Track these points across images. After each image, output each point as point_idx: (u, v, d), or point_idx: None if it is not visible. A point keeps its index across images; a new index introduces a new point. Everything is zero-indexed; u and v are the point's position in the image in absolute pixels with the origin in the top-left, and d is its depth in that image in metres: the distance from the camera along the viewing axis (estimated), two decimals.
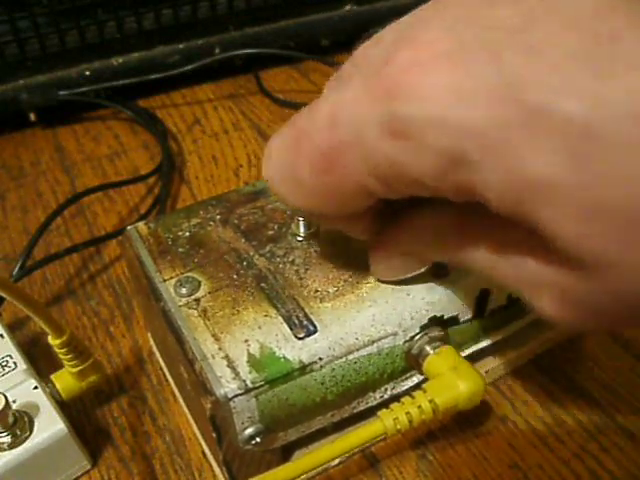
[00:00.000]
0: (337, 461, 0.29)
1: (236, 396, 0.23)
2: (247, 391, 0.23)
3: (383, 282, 0.26)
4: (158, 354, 0.35)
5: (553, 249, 0.16)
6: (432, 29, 0.16)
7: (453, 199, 0.18)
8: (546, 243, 0.16)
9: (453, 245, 0.21)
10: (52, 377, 0.30)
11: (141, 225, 0.30)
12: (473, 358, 0.30)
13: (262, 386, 0.23)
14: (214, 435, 0.24)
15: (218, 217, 0.31)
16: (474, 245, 0.20)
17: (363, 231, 0.24)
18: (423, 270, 0.25)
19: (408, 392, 0.26)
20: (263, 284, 0.27)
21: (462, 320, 0.28)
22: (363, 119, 0.17)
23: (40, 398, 0.28)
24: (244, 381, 0.23)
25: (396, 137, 0.16)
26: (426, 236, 0.23)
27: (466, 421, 0.31)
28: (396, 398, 0.26)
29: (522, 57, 0.15)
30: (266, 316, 0.25)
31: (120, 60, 0.59)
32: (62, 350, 0.28)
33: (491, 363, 0.32)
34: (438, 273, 0.27)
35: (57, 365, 0.30)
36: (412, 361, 0.27)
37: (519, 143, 0.15)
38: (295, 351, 0.24)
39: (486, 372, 0.32)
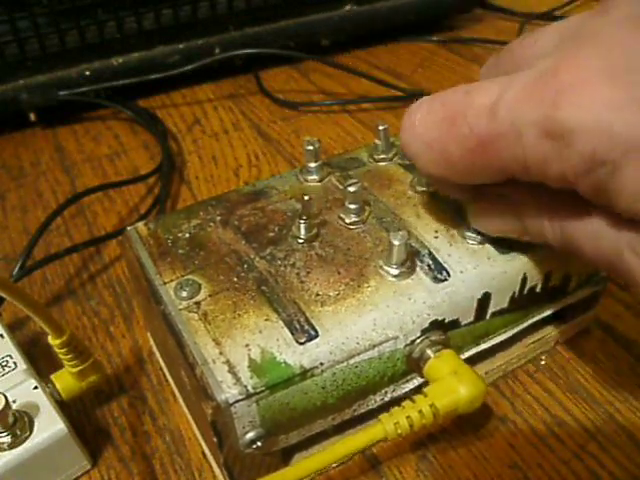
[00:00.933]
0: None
1: (237, 401, 0.23)
2: (248, 396, 0.23)
3: (482, 233, 0.28)
4: (158, 354, 0.35)
5: None
6: (594, 47, 0.19)
7: (585, 196, 0.20)
8: None
9: (553, 208, 0.23)
10: (52, 377, 0.30)
11: (141, 226, 0.30)
12: (473, 360, 0.30)
13: (263, 391, 0.23)
14: (215, 439, 0.24)
15: (218, 218, 0.30)
16: (575, 213, 0.22)
17: (473, 195, 0.26)
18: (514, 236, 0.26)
19: (409, 395, 0.26)
20: (264, 287, 0.26)
21: (463, 323, 0.28)
22: (524, 118, 0.19)
23: (40, 398, 0.28)
24: (245, 386, 0.23)
25: (551, 138, 0.19)
26: (534, 201, 0.24)
27: (466, 421, 0.31)
28: (397, 401, 0.26)
29: None
30: (267, 320, 0.25)
31: (120, 60, 0.59)
32: (62, 350, 0.28)
33: (491, 364, 0.32)
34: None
35: (57, 365, 0.30)
36: (413, 365, 0.27)
37: None
38: (296, 356, 0.24)
39: (486, 373, 0.32)
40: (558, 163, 0.19)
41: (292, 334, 0.25)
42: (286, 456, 0.28)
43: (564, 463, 0.29)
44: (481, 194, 0.26)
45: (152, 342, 0.35)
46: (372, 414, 0.26)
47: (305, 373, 0.24)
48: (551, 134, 0.19)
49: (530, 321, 0.31)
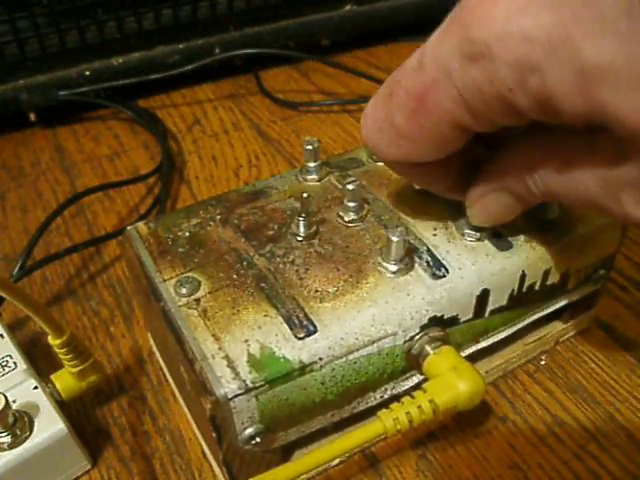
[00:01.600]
0: (337, 461, 0.29)
1: (236, 396, 0.23)
2: (247, 391, 0.23)
3: (483, 228, 0.27)
4: (158, 354, 0.35)
5: (623, 142, 0.18)
6: None
7: (533, 115, 0.19)
8: (614, 143, 0.19)
9: (531, 168, 0.23)
10: (52, 377, 0.30)
11: (141, 225, 0.30)
12: (473, 358, 0.30)
13: (262, 386, 0.23)
14: (214, 435, 0.24)
15: (218, 217, 0.30)
16: (548, 166, 0.22)
17: (451, 183, 0.26)
18: (513, 216, 0.26)
19: (408, 392, 0.26)
20: (263, 284, 0.27)
21: (462, 320, 0.28)
22: (445, 53, 0.19)
23: (40, 398, 0.28)
24: (244, 381, 0.23)
25: (474, 59, 0.19)
26: (511, 167, 0.24)
27: (466, 421, 0.31)
28: (396, 398, 0.26)
29: None
30: (266, 316, 0.25)
31: (120, 60, 0.59)
32: (62, 350, 0.28)
33: (491, 363, 0.32)
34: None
35: (57, 365, 0.30)
36: (412, 361, 0.27)
37: (575, 38, 0.17)
38: (295, 351, 0.24)
39: (486, 372, 0.32)
40: (490, 84, 0.19)
41: (291, 329, 0.25)
42: (286, 453, 0.28)
43: (564, 463, 0.29)
44: (456, 182, 0.26)
45: (152, 342, 0.35)
46: (372, 412, 0.26)
47: (304, 368, 0.24)
48: (472, 56, 0.19)
49: (529, 319, 0.31)
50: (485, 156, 0.26)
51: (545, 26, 0.17)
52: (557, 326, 0.34)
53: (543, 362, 0.34)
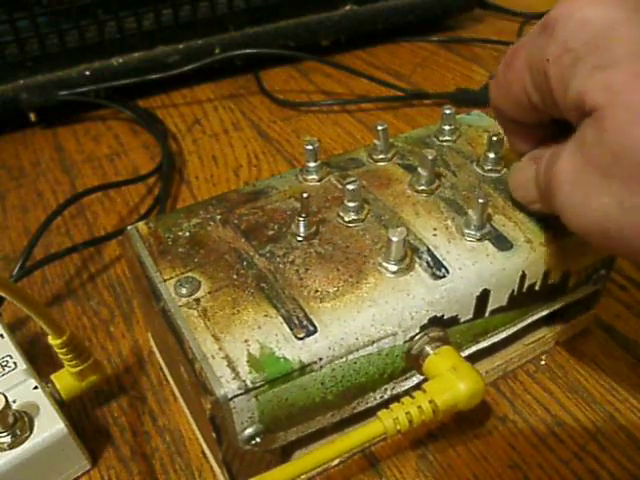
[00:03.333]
0: (337, 461, 0.29)
1: (236, 396, 0.23)
2: (247, 391, 0.23)
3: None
4: (158, 354, 0.35)
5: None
6: None
7: (553, 85, 0.22)
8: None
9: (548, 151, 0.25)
10: (52, 377, 0.30)
11: (141, 225, 0.30)
12: (473, 358, 0.30)
13: (262, 386, 0.23)
14: (214, 435, 0.24)
15: (218, 217, 0.30)
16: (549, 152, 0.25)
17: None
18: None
19: (408, 392, 0.26)
20: (263, 284, 0.27)
21: (462, 320, 0.28)
22: (536, 29, 0.23)
23: (40, 398, 0.28)
24: (244, 381, 0.23)
25: (543, 30, 0.23)
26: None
27: (466, 421, 0.31)
28: (396, 398, 0.26)
29: None
30: (266, 316, 0.25)
31: (120, 60, 0.59)
32: (62, 350, 0.28)
33: (491, 363, 0.32)
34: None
35: (57, 365, 0.30)
36: (412, 361, 0.27)
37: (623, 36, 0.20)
38: (295, 351, 0.24)
39: (486, 372, 0.32)
40: (540, 52, 0.22)
41: (291, 330, 0.25)
42: (286, 454, 0.28)
43: (564, 463, 0.29)
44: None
45: (152, 342, 0.35)
46: (372, 412, 0.26)
47: (304, 368, 0.24)
48: (543, 27, 0.23)
49: (529, 320, 0.31)
50: None
51: (600, 18, 0.20)
52: (557, 326, 0.34)
53: (543, 362, 0.34)
